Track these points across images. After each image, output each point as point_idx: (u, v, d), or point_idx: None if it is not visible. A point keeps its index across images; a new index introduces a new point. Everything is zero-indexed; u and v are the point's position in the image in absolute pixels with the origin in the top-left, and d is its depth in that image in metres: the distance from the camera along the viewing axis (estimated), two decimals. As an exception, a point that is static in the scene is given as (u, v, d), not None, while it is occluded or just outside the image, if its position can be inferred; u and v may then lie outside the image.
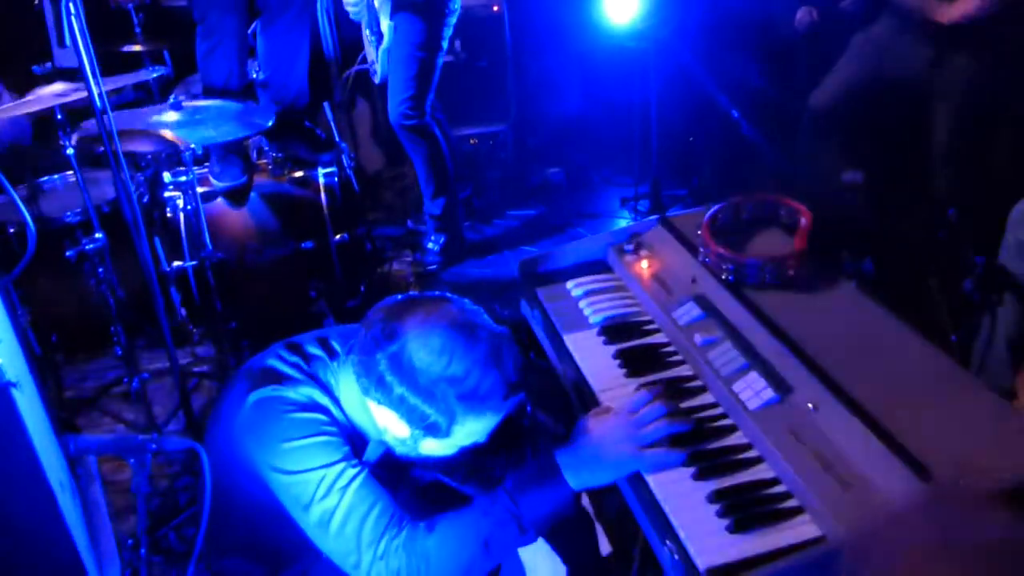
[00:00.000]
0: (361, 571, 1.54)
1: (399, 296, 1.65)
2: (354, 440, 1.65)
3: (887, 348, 1.75)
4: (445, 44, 3.92)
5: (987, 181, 3.05)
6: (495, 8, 4.71)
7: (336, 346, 1.71)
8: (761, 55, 4.03)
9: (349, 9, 3.97)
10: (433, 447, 1.64)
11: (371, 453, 1.71)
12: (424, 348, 1.53)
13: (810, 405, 1.61)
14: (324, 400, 1.63)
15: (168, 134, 2.89)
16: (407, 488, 1.81)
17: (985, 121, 3.15)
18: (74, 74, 2.84)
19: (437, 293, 1.64)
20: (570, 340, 2.04)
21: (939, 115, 3.31)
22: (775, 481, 1.56)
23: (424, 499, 1.78)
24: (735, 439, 1.68)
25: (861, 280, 2.07)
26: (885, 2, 3.38)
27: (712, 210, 2.14)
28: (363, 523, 1.53)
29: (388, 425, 1.62)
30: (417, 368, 1.53)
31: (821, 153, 3.69)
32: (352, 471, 1.56)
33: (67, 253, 2.86)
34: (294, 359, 1.67)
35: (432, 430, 1.58)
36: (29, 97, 2.95)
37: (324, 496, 1.53)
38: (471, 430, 1.61)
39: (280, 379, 1.62)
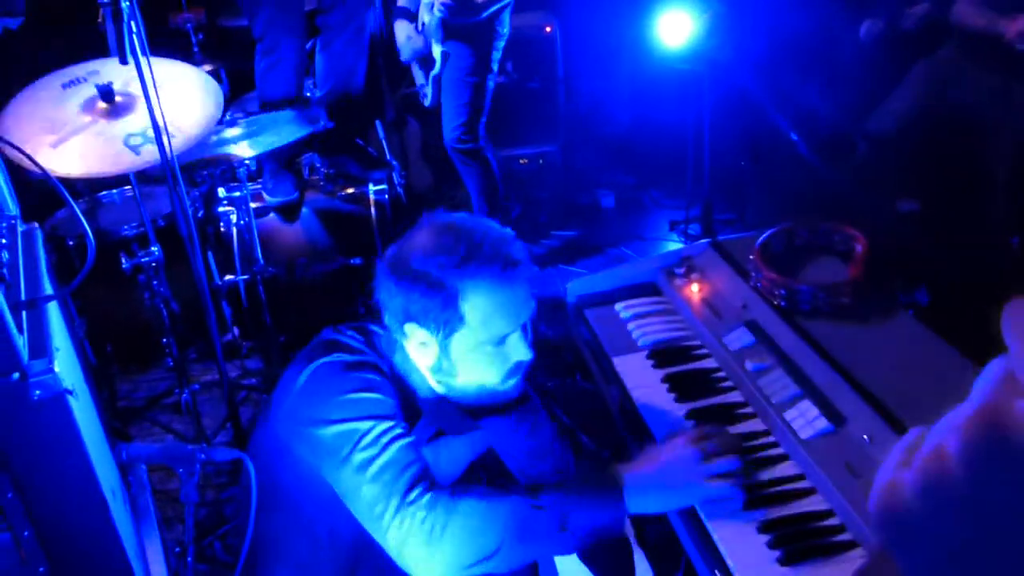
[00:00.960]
0: (384, 522, 1.48)
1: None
2: (407, 413, 1.63)
3: (944, 379, 1.70)
4: (496, 67, 3.95)
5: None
6: (548, 29, 4.73)
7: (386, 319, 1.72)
8: (820, 78, 3.98)
9: (402, 49, 3.97)
10: (464, 358, 1.59)
11: (422, 432, 1.70)
12: (412, 241, 1.58)
13: (865, 436, 1.57)
14: (381, 367, 1.63)
15: (223, 150, 2.95)
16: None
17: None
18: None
19: None
20: (619, 362, 2.03)
21: (1004, 146, 3.23)
22: (829, 513, 1.52)
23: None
24: (787, 469, 1.65)
25: (918, 310, 2.02)
26: (950, 29, 3.32)
27: (765, 235, 2.11)
28: (399, 476, 1.49)
29: (425, 359, 1.60)
30: (409, 259, 1.55)
31: (878, 180, 3.63)
32: (399, 430, 1.54)
33: (123, 266, 2.92)
34: (351, 332, 1.68)
35: (448, 324, 1.55)
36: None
37: (369, 445, 1.50)
38: (485, 310, 1.55)
39: (339, 347, 1.63)
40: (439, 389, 1.67)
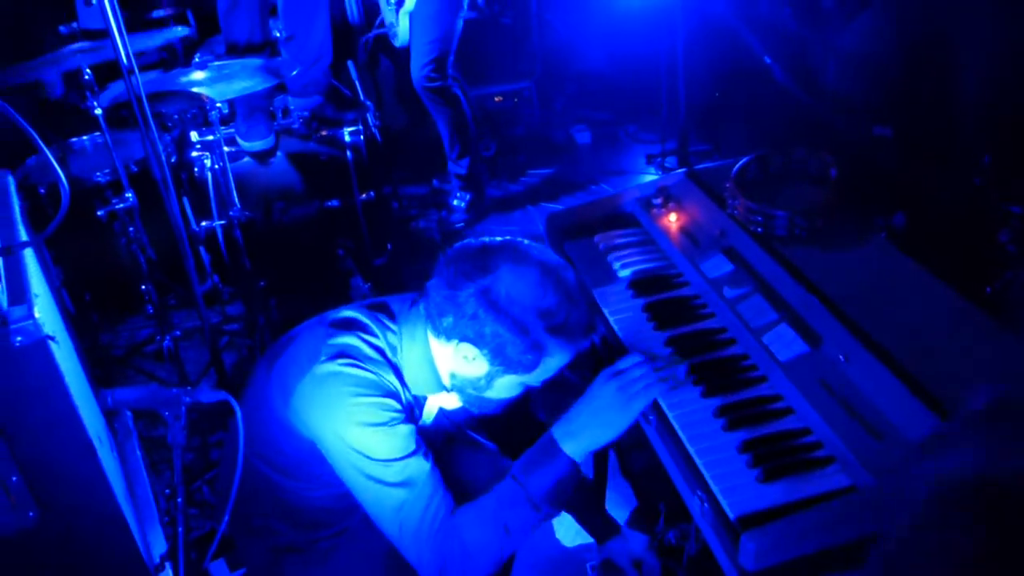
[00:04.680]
0: (400, 540, 1.56)
1: (472, 240, 1.65)
2: (411, 406, 1.68)
3: (918, 300, 1.73)
4: (466, 4, 3.89)
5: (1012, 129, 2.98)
6: (519, -37, 4.65)
7: (396, 308, 1.72)
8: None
9: None
10: (503, 386, 1.65)
11: (428, 416, 1.74)
12: (520, 281, 1.55)
13: (841, 356, 1.60)
14: (392, 359, 1.66)
15: (197, 91, 2.90)
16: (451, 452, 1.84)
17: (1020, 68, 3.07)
18: (100, 34, 2.85)
19: (509, 236, 1.65)
20: (599, 294, 2.04)
21: (973, 67, 3.23)
22: (806, 431, 1.56)
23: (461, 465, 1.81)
24: (765, 390, 1.68)
25: (891, 233, 2.04)
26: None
27: (740, 163, 2.12)
28: (416, 506, 1.54)
29: (461, 368, 1.63)
30: (514, 300, 1.54)
31: (850, 102, 3.62)
32: (413, 444, 1.58)
33: (98, 212, 2.89)
34: (370, 314, 1.69)
35: (515, 366, 1.59)
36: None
37: (390, 461, 1.54)
38: (552, 365, 1.62)
39: (358, 327, 1.64)
40: (448, 384, 1.69)
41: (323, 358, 1.57)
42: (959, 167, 2.94)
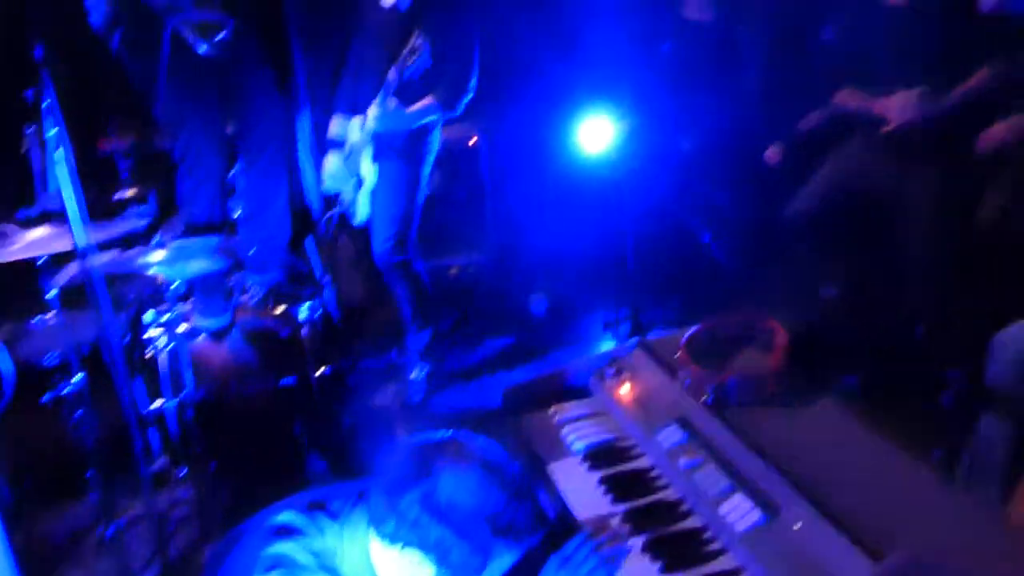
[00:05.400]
0: None
1: (415, 438, 1.62)
2: None
3: (870, 465, 1.74)
4: (425, 181, 4.04)
5: (960, 295, 3.10)
6: (472, 141, 4.86)
7: (335, 506, 1.67)
8: (736, 181, 4.16)
9: (327, 180, 4.06)
10: None
11: None
12: (463, 484, 1.51)
13: (798, 525, 1.58)
14: (330, 564, 1.59)
15: (152, 272, 2.92)
16: None
17: (952, 235, 3.23)
18: (59, 217, 2.89)
19: (453, 432, 1.62)
20: (554, 468, 2.02)
21: (906, 230, 3.40)
22: (769, 607, 1.52)
23: None
24: (726, 563, 1.64)
25: (844, 395, 2.08)
26: (854, 122, 3.53)
27: (690, 332, 2.16)
28: None
29: (405, 573, 1.55)
30: (457, 504, 1.50)
31: (798, 268, 3.76)
32: None
33: (43, 398, 2.83)
34: (309, 515, 1.63)
35: (462, 570, 1.53)
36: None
37: None
38: (500, 566, 1.56)
39: (295, 532, 1.58)
40: None
41: (259, 571, 1.52)
42: (901, 332, 3.04)
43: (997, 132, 3.00)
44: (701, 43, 4.33)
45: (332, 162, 3.99)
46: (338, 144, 4.01)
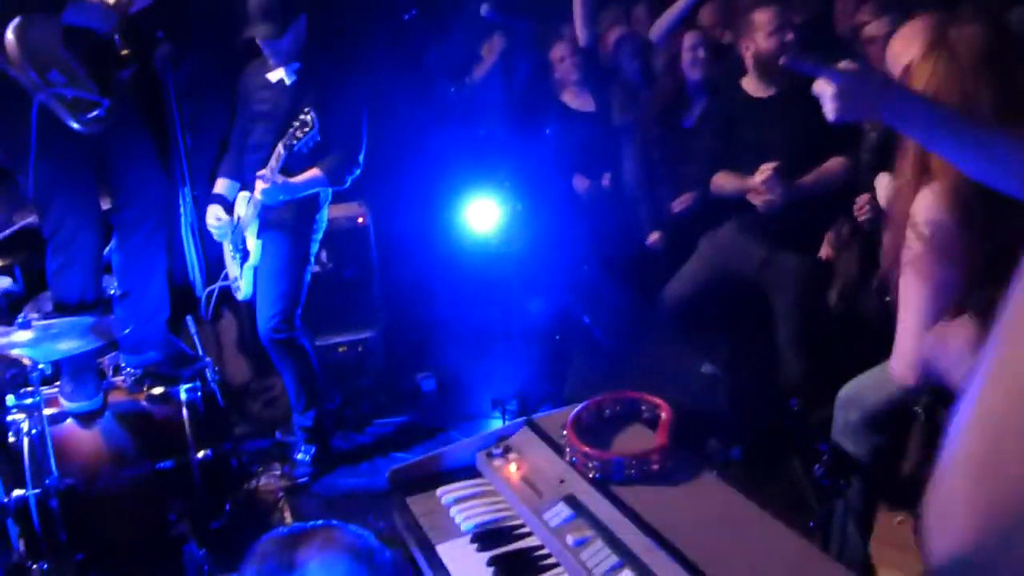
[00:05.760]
0: None
1: (283, 528, 1.56)
2: None
3: (752, 538, 1.79)
4: (313, 258, 4.00)
5: (825, 369, 3.27)
6: (360, 220, 4.86)
7: None
8: (617, 265, 4.30)
9: (212, 230, 4.01)
10: None
11: None
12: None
13: (684, 601, 1.60)
14: None
15: (15, 353, 2.77)
16: None
17: (815, 313, 3.42)
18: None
19: (322, 522, 1.58)
20: (443, 550, 1.99)
21: (776, 308, 3.58)
22: None
23: None
24: (614, 644, 1.64)
25: (729, 468, 2.14)
26: (726, 207, 3.71)
27: (576, 410, 2.19)
28: None
29: None
30: None
31: (679, 346, 3.88)
32: None
33: None
34: None
35: None
36: None
37: None
38: None
39: None
40: None
41: None
42: (777, 405, 3.17)
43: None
44: (581, 129, 4.51)
45: (211, 212, 3.93)
46: (223, 200, 3.95)
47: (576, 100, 4.55)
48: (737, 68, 3.69)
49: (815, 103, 1.68)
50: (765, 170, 3.36)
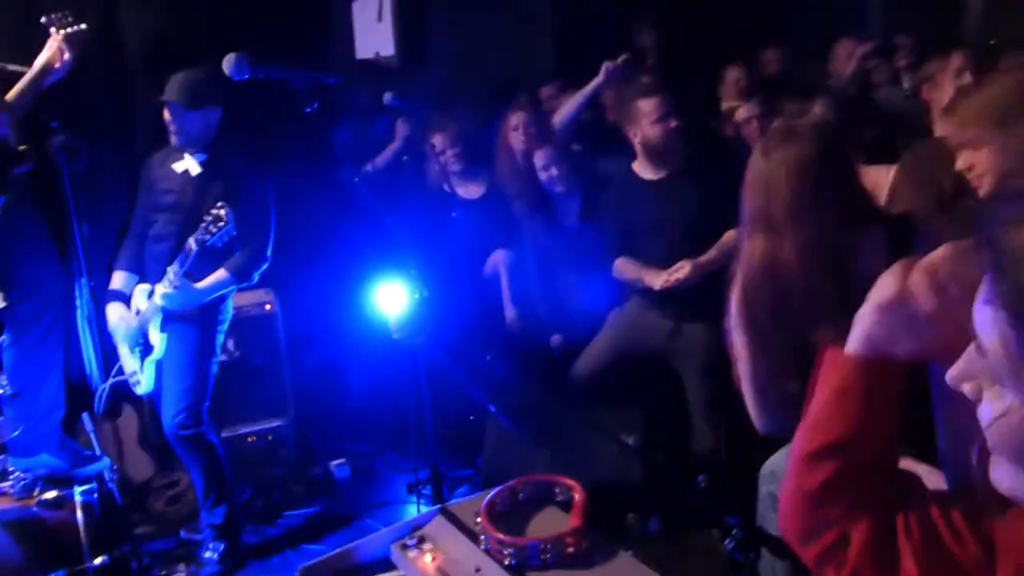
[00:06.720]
0: None
1: None
2: None
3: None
4: (219, 350, 3.90)
5: (735, 442, 3.33)
6: (267, 307, 4.78)
7: None
8: (521, 357, 4.33)
9: (115, 331, 3.83)
10: None
11: None
12: None
13: None
14: None
15: None
16: None
17: (724, 379, 3.50)
18: None
19: None
20: (355, 651, 1.91)
21: (686, 377, 3.65)
22: None
23: None
24: None
25: (648, 542, 2.14)
26: (631, 286, 3.81)
27: (489, 496, 2.17)
28: None
29: None
30: None
31: (592, 421, 3.90)
32: None
33: None
34: None
35: None
36: None
37: None
38: None
39: None
40: None
41: None
42: (688, 480, 3.20)
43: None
44: (473, 217, 4.58)
45: (114, 311, 3.77)
46: (122, 296, 3.81)
47: (462, 189, 4.62)
48: (628, 154, 3.82)
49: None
50: (681, 268, 3.48)
